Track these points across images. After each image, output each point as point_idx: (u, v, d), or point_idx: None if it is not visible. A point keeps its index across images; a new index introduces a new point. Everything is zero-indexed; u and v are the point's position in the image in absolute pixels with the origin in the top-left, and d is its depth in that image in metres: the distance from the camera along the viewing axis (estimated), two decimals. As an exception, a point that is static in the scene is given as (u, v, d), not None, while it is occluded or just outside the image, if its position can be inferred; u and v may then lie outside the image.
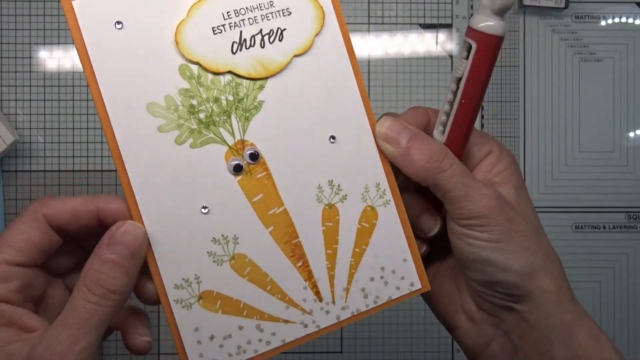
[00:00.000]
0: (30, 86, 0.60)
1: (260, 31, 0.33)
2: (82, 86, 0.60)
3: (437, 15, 0.62)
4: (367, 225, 0.35)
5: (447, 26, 0.62)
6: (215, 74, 0.32)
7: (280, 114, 0.33)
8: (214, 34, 0.32)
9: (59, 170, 0.60)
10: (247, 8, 0.33)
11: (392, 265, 0.35)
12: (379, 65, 0.62)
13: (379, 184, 0.35)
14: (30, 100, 0.60)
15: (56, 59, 0.60)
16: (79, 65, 0.60)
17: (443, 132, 0.35)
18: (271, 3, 0.33)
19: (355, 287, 0.35)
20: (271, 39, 0.33)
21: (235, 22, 0.33)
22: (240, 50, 0.33)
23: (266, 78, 0.33)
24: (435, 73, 0.62)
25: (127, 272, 0.30)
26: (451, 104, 0.35)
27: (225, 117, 0.33)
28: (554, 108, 0.63)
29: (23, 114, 0.60)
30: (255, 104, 0.33)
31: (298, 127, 0.34)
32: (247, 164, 0.33)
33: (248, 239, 0.33)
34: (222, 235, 0.33)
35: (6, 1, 0.60)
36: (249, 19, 0.33)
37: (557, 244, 0.62)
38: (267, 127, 0.33)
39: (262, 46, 0.33)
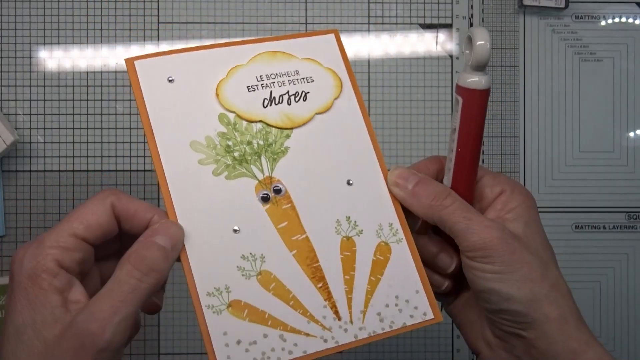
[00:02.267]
0: (30, 86, 0.60)
1: (287, 92, 0.40)
2: (82, 86, 0.60)
3: (437, 15, 0.62)
4: (382, 258, 0.39)
5: (447, 26, 0.62)
6: (249, 122, 0.38)
7: (304, 158, 0.39)
8: (249, 91, 0.39)
9: (59, 170, 0.60)
10: (276, 74, 0.40)
11: (405, 295, 0.38)
12: (379, 65, 0.62)
13: (391, 224, 0.39)
14: (30, 100, 0.60)
15: (56, 59, 0.60)
16: (79, 65, 0.60)
17: (449, 178, 0.39)
18: (297, 72, 0.40)
19: (371, 311, 0.38)
20: (296, 99, 0.40)
21: (266, 84, 0.39)
22: (270, 105, 0.39)
23: (292, 128, 0.39)
24: (435, 73, 0.62)
25: (167, 256, 0.34)
26: (452, 151, 0.38)
27: (256, 157, 0.38)
28: (554, 108, 0.63)
29: (23, 114, 0.60)
30: (282, 148, 0.39)
31: (319, 170, 0.39)
32: (273, 196, 0.38)
33: (274, 259, 0.37)
34: (251, 254, 0.37)
35: (6, 1, 0.60)
36: (278, 82, 0.40)
37: (557, 244, 0.63)
38: (292, 168, 0.39)
39: (289, 104, 0.39)
